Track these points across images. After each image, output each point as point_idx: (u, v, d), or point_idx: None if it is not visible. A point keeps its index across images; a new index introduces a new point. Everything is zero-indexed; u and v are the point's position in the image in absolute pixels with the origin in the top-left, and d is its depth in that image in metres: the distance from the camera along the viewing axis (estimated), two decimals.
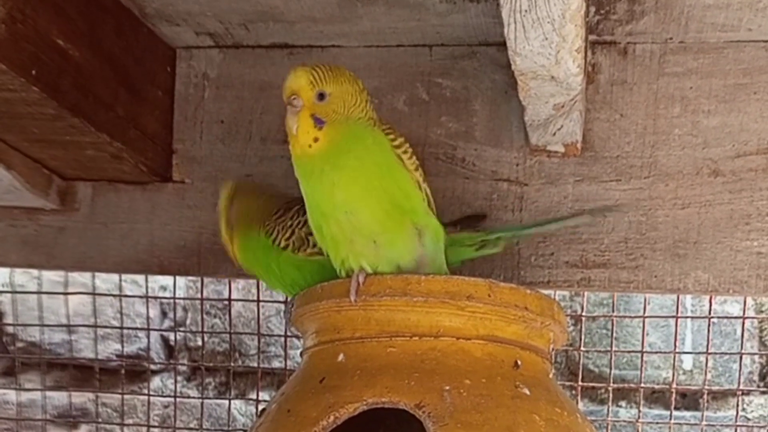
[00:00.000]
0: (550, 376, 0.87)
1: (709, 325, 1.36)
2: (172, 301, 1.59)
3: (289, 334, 1.44)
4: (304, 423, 0.78)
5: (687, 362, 1.51)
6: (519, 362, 0.82)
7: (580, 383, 1.41)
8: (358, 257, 0.85)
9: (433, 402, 0.76)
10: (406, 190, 0.86)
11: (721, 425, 1.44)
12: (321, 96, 0.83)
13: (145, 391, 1.59)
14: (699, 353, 1.46)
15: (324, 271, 0.91)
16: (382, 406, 0.78)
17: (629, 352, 1.49)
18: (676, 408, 1.46)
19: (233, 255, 1.02)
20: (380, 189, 0.84)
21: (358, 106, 0.85)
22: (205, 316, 1.58)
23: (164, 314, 1.66)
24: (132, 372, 1.63)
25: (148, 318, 1.54)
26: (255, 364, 1.57)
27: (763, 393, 1.48)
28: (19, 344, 1.66)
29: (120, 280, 1.52)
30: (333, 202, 0.84)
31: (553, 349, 0.88)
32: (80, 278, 1.58)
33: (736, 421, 1.38)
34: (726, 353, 1.48)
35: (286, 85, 0.84)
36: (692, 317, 1.48)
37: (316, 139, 0.83)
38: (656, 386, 1.48)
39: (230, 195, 1.01)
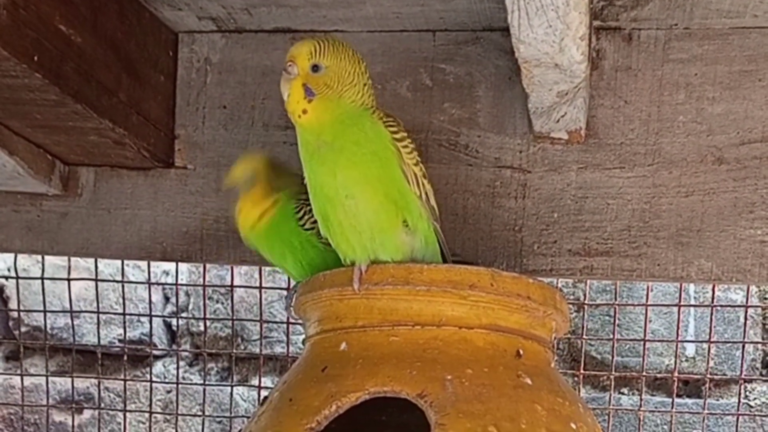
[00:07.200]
0: (552, 365, 0.87)
1: (712, 312, 1.36)
2: (174, 286, 1.59)
3: (291, 320, 1.44)
4: (306, 412, 0.78)
5: (690, 350, 1.50)
6: (521, 351, 0.82)
7: (582, 371, 1.41)
8: (362, 247, 0.85)
9: (435, 391, 0.76)
10: (400, 186, 0.86)
11: (724, 413, 1.45)
12: (316, 68, 0.84)
13: (148, 377, 1.59)
14: (702, 341, 1.46)
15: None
16: (384, 396, 0.78)
17: (632, 340, 1.49)
18: (679, 395, 1.46)
19: (250, 225, 0.99)
20: (376, 179, 0.84)
21: (354, 86, 0.85)
22: (207, 301, 1.58)
23: (167, 299, 1.67)
24: (134, 357, 1.63)
25: (150, 303, 1.54)
26: (257, 350, 1.57)
27: (766, 381, 1.48)
28: (24, 329, 1.67)
29: (123, 265, 1.52)
30: (335, 184, 0.84)
31: (555, 338, 0.88)
32: (83, 263, 1.58)
33: (738, 408, 1.38)
34: (729, 341, 1.48)
35: (288, 52, 0.85)
36: (695, 305, 1.48)
37: (305, 111, 0.84)
38: (658, 374, 1.48)
39: (267, 162, 0.99)
